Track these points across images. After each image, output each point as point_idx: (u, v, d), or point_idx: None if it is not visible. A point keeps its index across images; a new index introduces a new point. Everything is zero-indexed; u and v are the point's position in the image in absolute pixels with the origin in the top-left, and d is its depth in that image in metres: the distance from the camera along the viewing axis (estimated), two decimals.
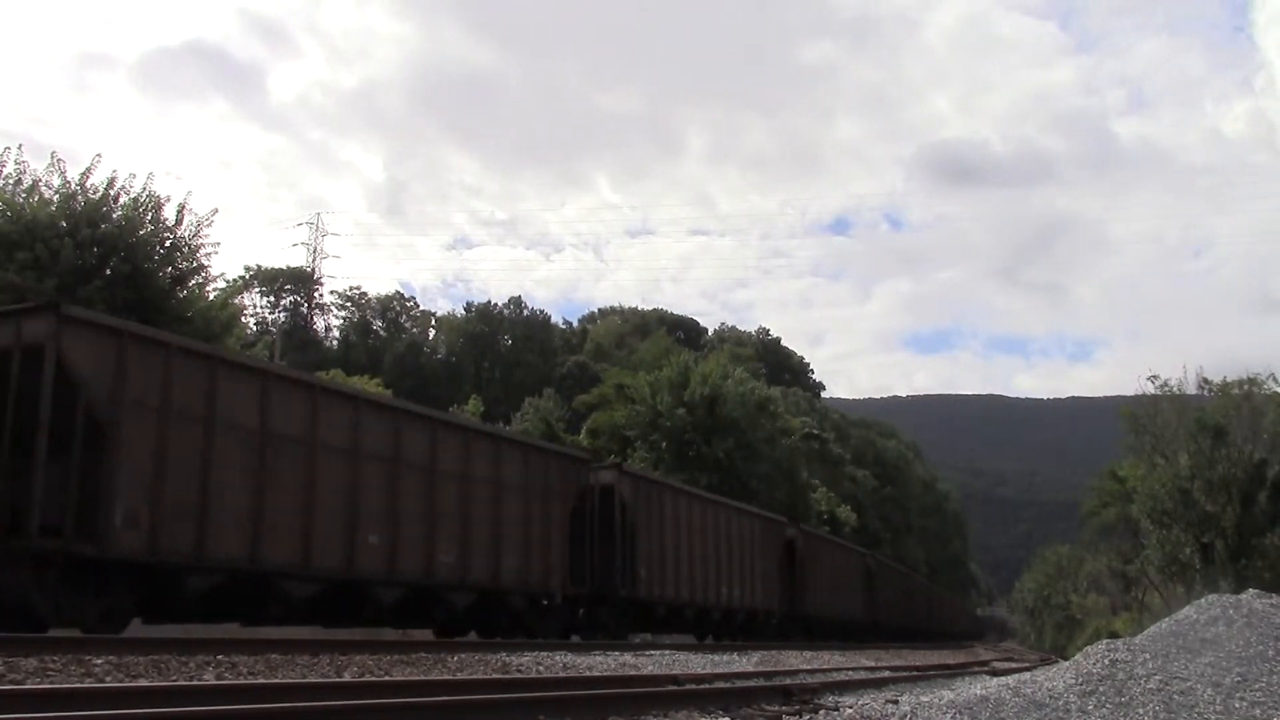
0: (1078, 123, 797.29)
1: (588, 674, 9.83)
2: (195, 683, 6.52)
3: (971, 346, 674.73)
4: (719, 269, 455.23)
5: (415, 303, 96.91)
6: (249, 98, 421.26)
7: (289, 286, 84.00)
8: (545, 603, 17.05)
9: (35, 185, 19.54)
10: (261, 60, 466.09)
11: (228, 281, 25.33)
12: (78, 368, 10.17)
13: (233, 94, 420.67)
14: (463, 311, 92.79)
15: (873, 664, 16.50)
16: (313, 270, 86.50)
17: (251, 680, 6.91)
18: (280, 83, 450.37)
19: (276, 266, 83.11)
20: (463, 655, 10.71)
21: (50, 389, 9.90)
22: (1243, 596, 10.92)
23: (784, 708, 8.16)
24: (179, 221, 20.72)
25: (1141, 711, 7.37)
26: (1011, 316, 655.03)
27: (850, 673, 12.98)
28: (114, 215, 19.72)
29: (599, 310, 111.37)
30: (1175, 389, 38.79)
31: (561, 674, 9.69)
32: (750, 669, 12.06)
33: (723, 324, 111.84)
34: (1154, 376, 39.05)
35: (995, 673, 15.18)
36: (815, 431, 62.72)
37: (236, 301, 26.74)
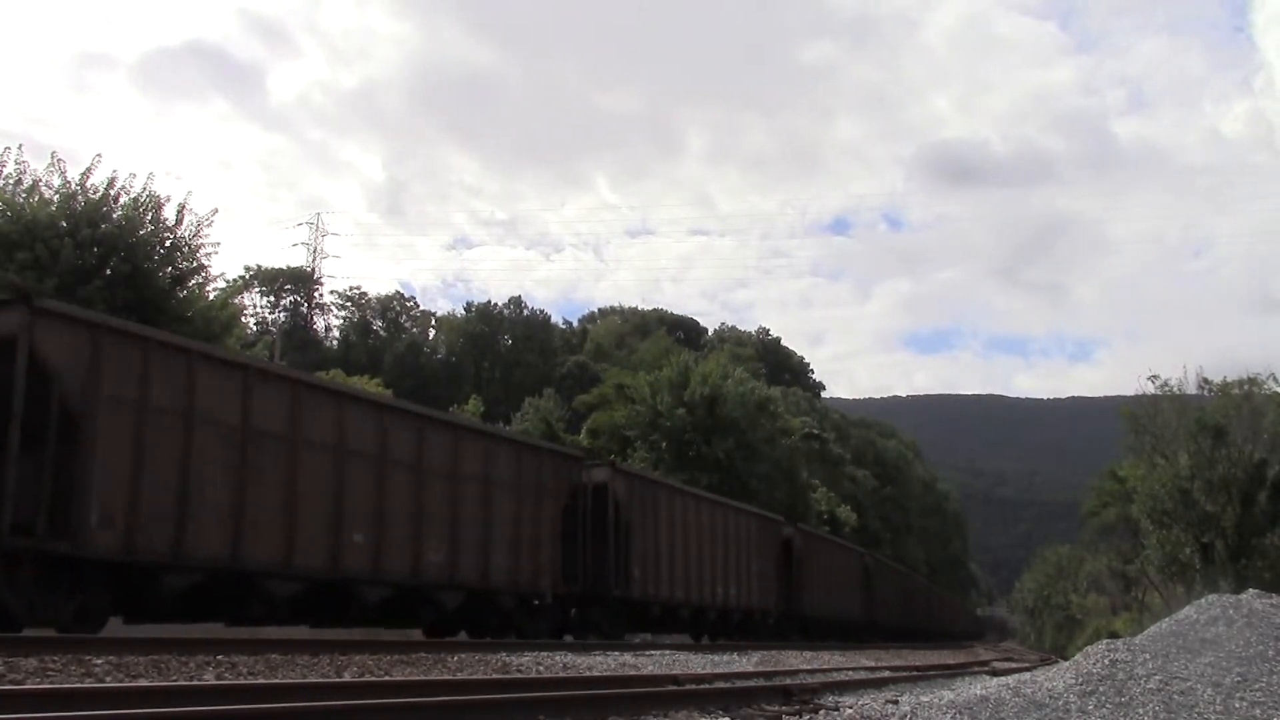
0: (1077, 123, 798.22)
1: (588, 674, 9.83)
2: (195, 683, 6.53)
3: (971, 346, 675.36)
4: (719, 269, 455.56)
5: (415, 303, 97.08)
6: (249, 98, 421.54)
7: (289, 286, 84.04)
8: (536, 603, 16.82)
9: (35, 185, 19.55)
10: (261, 60, 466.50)
11: (228, 281, 25.39)
12: (52, 361, 9.99)
13: (233, 94, 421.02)
14: (463, 311, 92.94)
15: (873, 664, 16.50)
16: (313, 270, 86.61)
17: (251, 680, 6.92)
18: (280, 83, 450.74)
19: (276, 266, 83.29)
20: (463, 655, 10.71)
21: (23, 382, 9.71)
22: (1243, 596, 10.93)
23: (784, 708, 8.16)
24: (179, 221, 20.76)
25: (1141, 711, 7.37)
26: (1011, 316, 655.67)
27: (850, 673, 12.98)
28: (114, 215, 19.73)
29: (599, 310, 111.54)
30: (1175, 389, 38.82)
31: (561, 674, 9.69)
32: (750, 669, 12.07)
33: (723, 324, 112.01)
34: (1154, 376, 39.10)
35: (995, 673, 15.18)
36: (815, 431, 62.72)
37: (236, 301, 26.77)
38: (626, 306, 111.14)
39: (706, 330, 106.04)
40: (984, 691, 7.89)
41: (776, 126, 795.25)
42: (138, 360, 10.61)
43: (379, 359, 76.48)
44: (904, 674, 13.63)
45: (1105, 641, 9.57)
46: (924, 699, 7.77)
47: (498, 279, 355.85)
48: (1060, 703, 7.47)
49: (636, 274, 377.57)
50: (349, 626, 13.94)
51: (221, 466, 11.34)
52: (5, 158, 19.68)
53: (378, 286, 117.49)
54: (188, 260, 20.88)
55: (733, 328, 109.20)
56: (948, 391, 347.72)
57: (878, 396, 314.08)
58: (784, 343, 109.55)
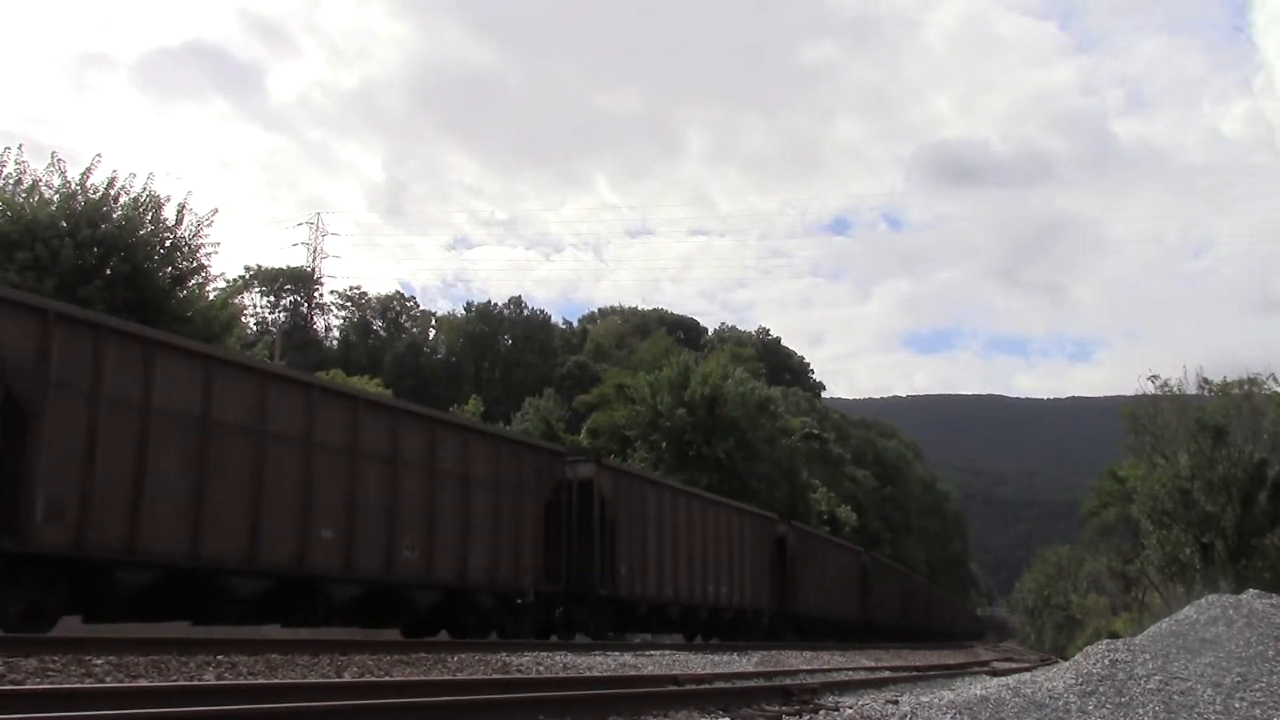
0: (1077, 123, 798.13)
1: (588, 674, 9.84)
2: (195, 683, 6.53)
3: (971, 346, 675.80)
4: (719, 269, 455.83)
5: (415, 303, 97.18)
6: (249, 98, 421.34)
7: (289, 286, 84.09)
8: (519, 601, 16.45)
9: (35, 185, 19.54)
10: (261, 60, 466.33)
11: (228, 281, 25.39)
12: None
13: (233, 94, 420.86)
14: (463, 311, 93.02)
15: (872, 664, 16.50)
16: (313, 270, 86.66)
17: (252, 680, 6.92)
18: (280, 83, 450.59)
19: (276, 266, 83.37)
20: (463, 655, 10.72)
21: None
22: (1243, 596, 10.92)
23: (784, 708, 8.16)
24: (179, 221, 20.75)
25: (1141, 711, 7.37)
26: (1011, 316, 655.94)
27: (850, 673, 12.99)
28: (114, 215, 19.72)
29: (599, 310, 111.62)
30: (1175, 389, 38.81)
31: (561, 674, 9.70)
32: (750, 669, 12.07)
33: (723, 324, 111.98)
34: (1154, 376, 39.08)
35: (995, 673, 15.19)
36: (815, 431, 62.74)
37: (236, 301, 26.75)
38: (626, 306, 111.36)
39: (706, 330, 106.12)
40: (984, 691, 7.89)
41: (776, 126, 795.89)
42: (90, 349, 10.22)
43: (379, 359, 76.52)
44: (904, 674, 13.63)
45: (1105, 641, 9.57)
46: (924, 699, 7.77)
47: (498, 279, 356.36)
48: (1060, 703, 7.47)
49: (636, 274, 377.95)
50: (318, 626, 13.50)
51: (180, 459, 10.94)
52: (5, 158, 19.70)
53: (378, 286, 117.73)
54: (188, 260, 20.89)
55: (733, 328, 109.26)
56: (948, 391, 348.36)
57: (878, 396, 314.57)
58: (784, 343, 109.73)
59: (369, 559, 13.23)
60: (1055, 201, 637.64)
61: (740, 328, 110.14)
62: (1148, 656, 8.79)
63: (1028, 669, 14.65)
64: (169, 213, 20.61)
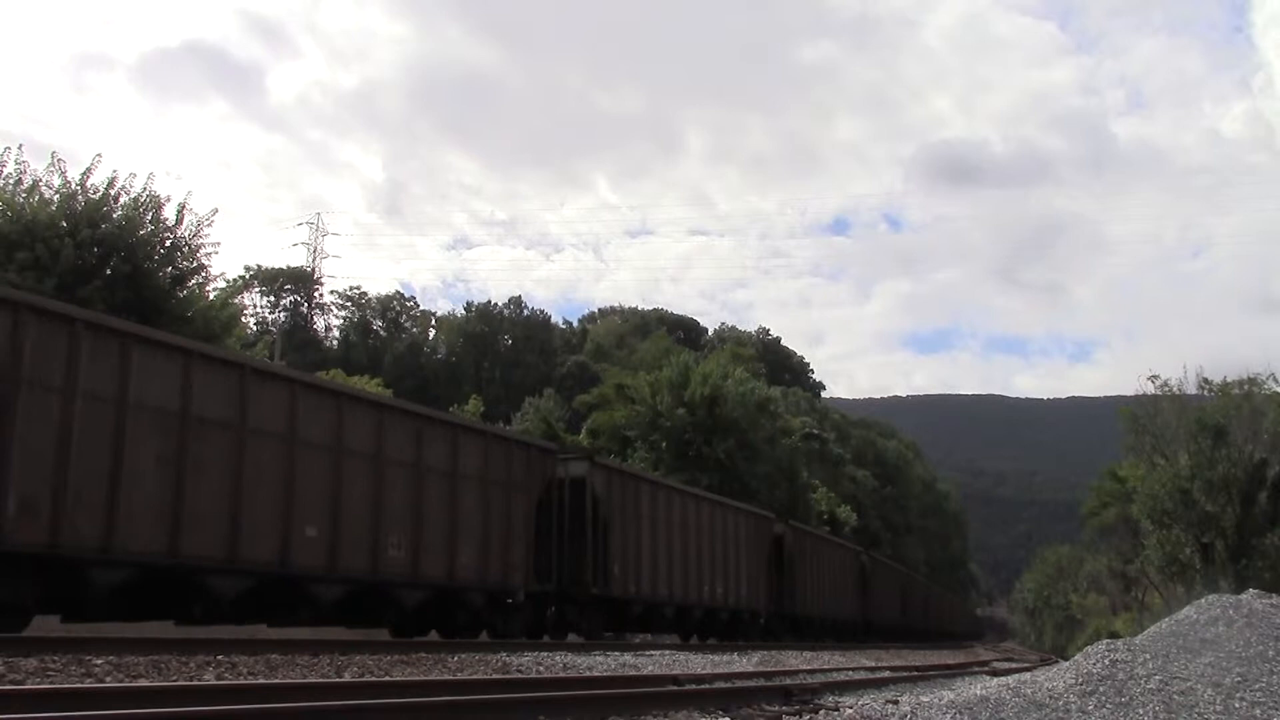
0: (1076, 123, 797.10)
1: (588, 674, 9.84)
2: (195, 683, 6.53)
3: (971, 347, 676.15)
4: (718, 269, 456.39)
5: (415, 303, 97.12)
6: (248, 98, 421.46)
7: (289, 286, 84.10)
8: (510, 601, 16.22)
9: (35, 185, 19.55)
10: (261, 60, 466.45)
11: (228, 281, 25.43)
12: None
13: (232, 94, 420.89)
14: (463, 311, 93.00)
15: (873, 664, 16.50)
16: (313, 270, 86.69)
17: (252, 680, 6.92)
18: (279, 83, 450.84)
19: (276, 266, 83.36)
20: (463, 655, 10.72)
21: None
22: (1243, 596, 10.91)
23: (784, 708, 8.16)
24: (179, 221, 20.78)
25: (1141, 712, 7.37)
26: (1010, 317, 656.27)
27: (850, 673, 12.99)
28: (114, 215, 19.74)
29: (599, 310, 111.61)
30: (1175, 389, 38.81)
31: (561, 674, 9.70)
32: (750, 669, 12.07)
33: (723, 324, 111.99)
34: (1154, 376, 39.10)
35: (995, 673, 15.19)
36: (815, 431, 62.76)
37: (236, 301, 26.79)
38: (626, 306, 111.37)
39: (706, 330, 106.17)
40: (984, 691, 7.89)
41: (776, 126, 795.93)
42: (64, 343, 9.99)
43: (379, 359, 76.55)
44: (904, 674, 13.64)
45: (1105, 641, 9.56)
46: (924, 699, 7.76)
47: (498, 279, 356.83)
48: (1060, 703, 7.47)
49: (636, 274, 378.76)
50: (302, 625, 13.31)
51: (158, 455, 10.70)
52: (5, 158, 19.72)
53: (378, 286, 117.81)
54: (188, 260, 20.90)
55: (733, 328, 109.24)
56: (947, 391, 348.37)
57: (878, 396, 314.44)
58: (784, 343, 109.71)
59: (354, 557, 13.02)
60: (1055, 201, 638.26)
61: (740, 328, 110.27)
62: (1148, 656, 8.78)
63: (1028, 669, 14.65)
64: (169, 213, 20.68)
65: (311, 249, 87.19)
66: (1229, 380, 37.79)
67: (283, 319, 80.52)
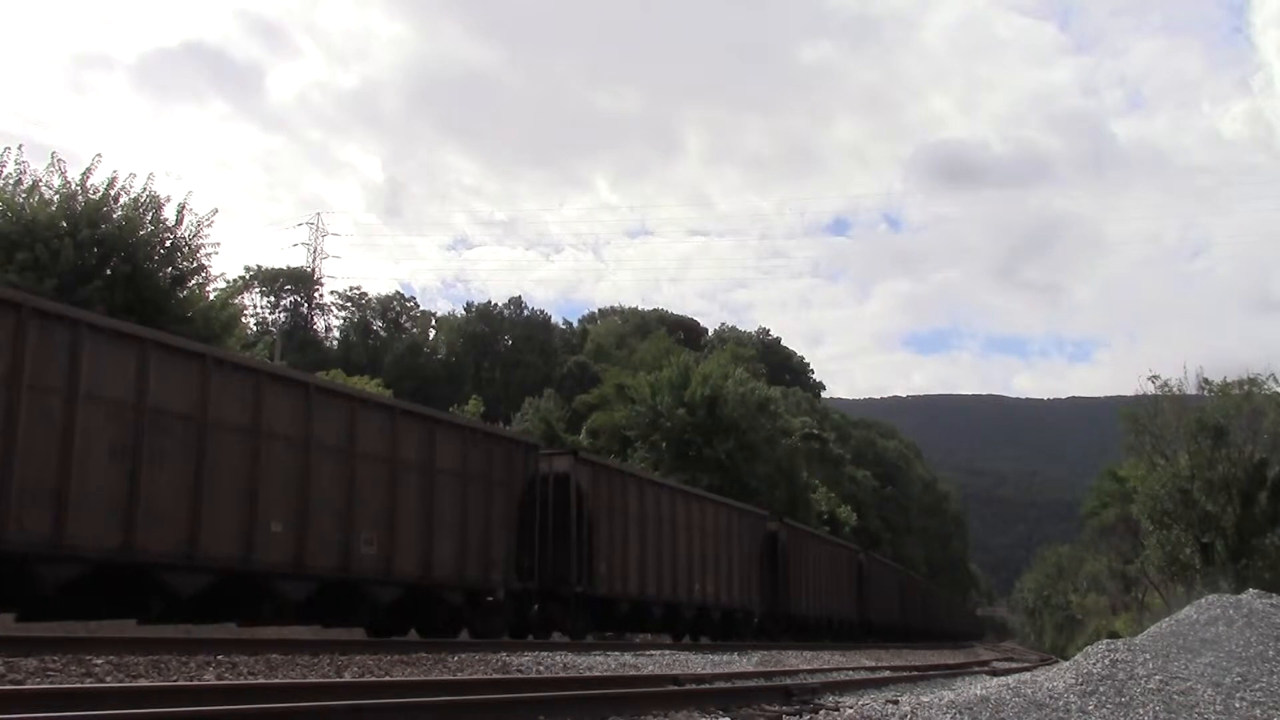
0: (1076, 123, 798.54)
1: (588, 674, 9.84)
2: (195, 683, 6.53)
3: (970, 347, 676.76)
4: (718, 269, 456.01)
5: (415, 303, 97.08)
6: (248, 98, 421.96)
7: (289, 286, 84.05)
8: (490, 599, 15.83)
9: (35, 185, 19.52)
10: (260, 61, 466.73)
11: (228, 282, 25.36)
12: None
13: (232, 94, 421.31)
14: (463, 311, 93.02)
15: (873, 664, 16.49)
16: (313, 270, 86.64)
17: (252, 680, 6.92)
18: (279, 83, 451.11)
19: (276, 266, 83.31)
20: (463, 655, 10.72)
21: None
22: (1243, 596, 10.92)
23: (784, 708, 8.16)
24: (179, 222, 20.73)
25: (1142, 711, 7.37)
26: (1010, 317, 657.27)
27: (850, 673, 12.98)
28: (114, 215, 19.70)
29: (599, 310, 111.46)
30: (1175, 389, 38.82)
31: (561, 674, 9.70)
32: (750, 669, 12.07)
33: (722, 324, 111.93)
34: (1154, 376, 39.11)
35: (995, 673, 15.19)
36: (815, 431, 62.79)
37: (236, 302, 26.73)
38: (626, 307, 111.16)
39: (706, 330, 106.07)
40: (984, 691, 7.89)
41: (775, 126, 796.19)
42: (10, 330, 9.61)
43: (379, 359, 76.48)
44: (904, 674, 13.63)
45: (1105, 641, 9.57)
46: (924, 699, 7.76)
47: (498, 279, 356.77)
48: (1060, 703, 7.47)
49: (636, 274, 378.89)
50: (268, 624, 12.97)
51: (111, 448, 10.29)
52: (5, 158, 19.69)
53: (378, 286, 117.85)
54: (188, 260, 20.87)
55: (733, 328, 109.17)
56: (947, 391, 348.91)
57: (878, 396, 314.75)
58: (784, 343, 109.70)
59: (324, 554, 12.62)
60: (1054, 202, 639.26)
61: (740, 328, 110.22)
62: (1148, 656, 8.79)
63: (1028, 669, 14.66)
64: (169, 213, 20.62)
65: (311, 249, 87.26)
66: (1229, 380, 37.86)
67: (283, 319, 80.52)
